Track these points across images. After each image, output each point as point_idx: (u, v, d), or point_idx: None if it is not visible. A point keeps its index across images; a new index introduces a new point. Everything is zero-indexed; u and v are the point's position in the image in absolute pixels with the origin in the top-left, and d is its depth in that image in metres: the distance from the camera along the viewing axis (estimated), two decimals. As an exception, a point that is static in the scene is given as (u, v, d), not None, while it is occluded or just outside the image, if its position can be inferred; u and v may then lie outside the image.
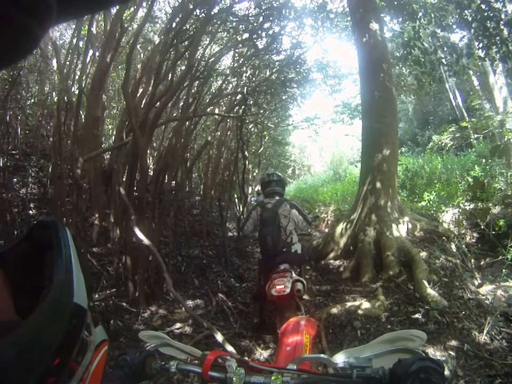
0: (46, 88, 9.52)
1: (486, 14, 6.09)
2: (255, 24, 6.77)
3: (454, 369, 2.66)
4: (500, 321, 3.10)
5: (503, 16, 6.05)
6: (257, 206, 3.80)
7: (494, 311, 3.19)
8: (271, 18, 6.66)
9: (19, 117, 8.02)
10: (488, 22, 6.11)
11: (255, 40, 7.08)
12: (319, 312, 3.79)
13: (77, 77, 6.20)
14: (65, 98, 5.04)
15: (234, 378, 0.92)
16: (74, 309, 0.37)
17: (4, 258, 0.42)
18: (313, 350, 1.61)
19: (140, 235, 3.52)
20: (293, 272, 3.25)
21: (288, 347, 1.50)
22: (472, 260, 4.47)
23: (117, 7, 4.35)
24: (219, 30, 6.93)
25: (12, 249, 0.44)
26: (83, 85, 5.36)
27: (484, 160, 7.67)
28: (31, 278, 0.42)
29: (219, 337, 2.89)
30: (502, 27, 6.07)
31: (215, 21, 5.97)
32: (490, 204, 5.54)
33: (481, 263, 4.77)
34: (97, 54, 6.98)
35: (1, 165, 5.58)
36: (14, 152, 7.23)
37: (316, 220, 8.87)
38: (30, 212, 5.98)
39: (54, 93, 8.58)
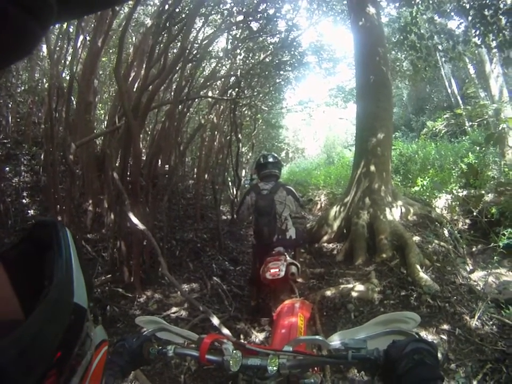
0: (36, 74, 9.31)
1: (483, 2, 6.03)
2: (249, 6, 6.64)
3: (446, 353, 2.72)
4: (490, 308, 3.15)
5: (501, 6, 5.99)
6: (252, 190, 3.67)
7: (485, 297, 3.23)
8: (266, 0, 6.54)
9: (9, 105, 7.88)
10: (485, 10, 6.05)
11: (249, 23, 6.95)
12: (313, 295, 3.83)
13: (67, 62, 6.07)
14: (56, 84, 4.94)
15: (231, 361, 0.93)
16: (74, 309, 0.37)
17: (4, 258, 0.41)
18: (308, 332, 1.64)
19: (134, 220, 3.51)
20: (287, 255, 3.24)
21: (283, 329, 1.52)
22: (464, 246, 4.52)
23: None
24: (212, 12, 6.80)
25: (12, 249, 0.43)
26: (74, 70, 5.24)
27: (477, 148, 7.70)
28: (31, 278, 0.42)
29: (215, 320, 2.91)
30: (499, 16, 6.02)
31: (208, 2, 5.85)
32: (483, 191, 5.58)
33: (473, 249, 4.83)
34: (88, 38, 6.82)
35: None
36: (5, 140, 7.16)
37: (309, 203, 8.93)
38: (24, 200, 5.93)
39: (44, 79, 8.42)
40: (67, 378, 0.36)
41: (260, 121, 12.82)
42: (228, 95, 8.07)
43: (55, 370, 0.33)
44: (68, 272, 0.38)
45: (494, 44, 6.77)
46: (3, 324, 0.35)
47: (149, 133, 9.02)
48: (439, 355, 2.63)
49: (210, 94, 8.93)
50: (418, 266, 3.83)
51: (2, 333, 0.27)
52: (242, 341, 3.15)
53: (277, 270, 2.95)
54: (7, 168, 6.35)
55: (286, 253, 3.32)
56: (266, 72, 8.43)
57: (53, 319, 0.33)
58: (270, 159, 3.71)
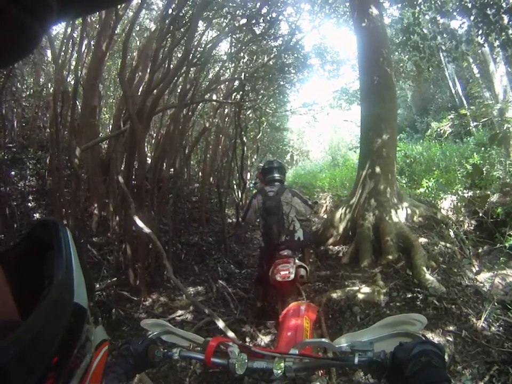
0: (41, 79, 9.42)
1: (486, 1, 6.01)
2: (252, 9, 6.66)
3: (452, 355, 2.69)
4: (497, 309, 3.12)
5: (503, 5, 5.96)
6: (258, 193, 3.75)
7: (492, 299, 3.21)
8: (269, 3, 6.55)
9: (15, 110, 7.96)
10: (488, 9, 6.04)
11: (253, 26, 6.97)
12: (318, 297, 3.81)
13: (72, 67, 6.13)
14: (61, 88, 4.98)
15: (236, 364, 0.93)
16: (74, 309, 0.37)
17: (4, 258, 0.41)
18: (314, 334, 1.63)
19: (140, 223, 3.52)
20: (295, 258, 3.28)
21: (289, 332, 1.52)
22: (470, 247, 4.49)
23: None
24: (216, 16, 6.82)
25: (12, 249, 0.43)
26: (79, 75, 5.29)
27: (482, 148, 7.65)
28: (31, 278, 0.42)
29: (220, 323, 2.91)
30: (502, 15, 6.00)
31: (211, 6, 5.87)
32: (489, 192, 5.54)
33: (479, 250, 4.79)
34: (92, 43, 6.89)
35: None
36: (11, 145, 7.22)
37: (314, 205, 8.91)
38: (29, 204, 5.97)
39: (49, 84, 8.51)
40: (66, 381, 0.35)
41: (265, 124, 12.83)
42: (232, 98, 8.10)
43: (54, 372, 0.33)
44: (68, 272, 0.38)
45: (497, 43, 6.74)
46: (2, 325, 0.35)
47: (154, 136, 9.06)
48: (446, 357, 2.61)
49: (214, 97, 8.95)
50: (424, 268, 3.81)
51: (2, 334, 0.27)
52: (248, 343, 3.15)
53: (287, 272, 2.97)
54: (13, 172, 6.40)
55: (294, 256, 3.34)
56: (270, 75, 8.43)
57: (53, 319, 0.33)
58: (275, 165, 3.86)
